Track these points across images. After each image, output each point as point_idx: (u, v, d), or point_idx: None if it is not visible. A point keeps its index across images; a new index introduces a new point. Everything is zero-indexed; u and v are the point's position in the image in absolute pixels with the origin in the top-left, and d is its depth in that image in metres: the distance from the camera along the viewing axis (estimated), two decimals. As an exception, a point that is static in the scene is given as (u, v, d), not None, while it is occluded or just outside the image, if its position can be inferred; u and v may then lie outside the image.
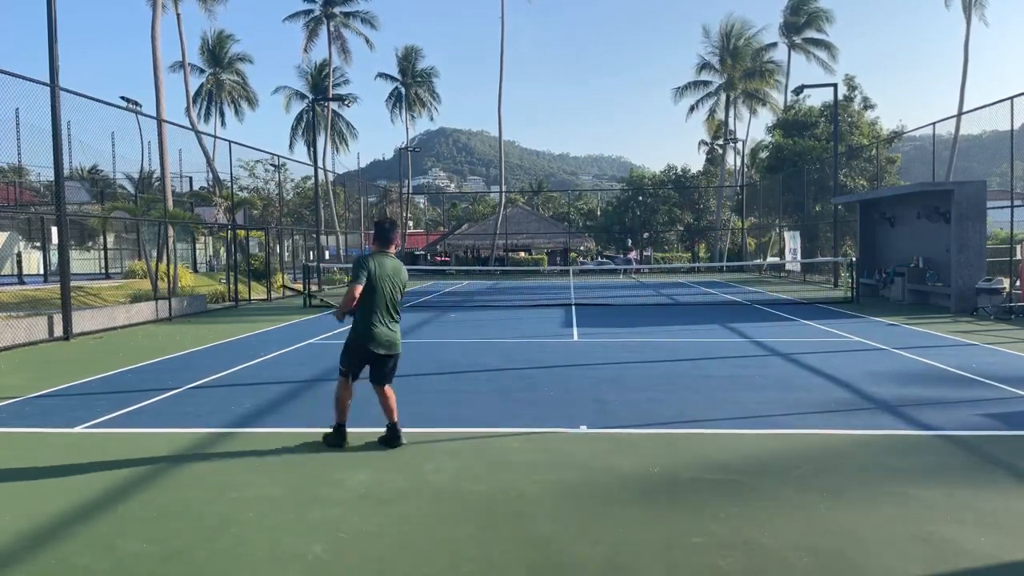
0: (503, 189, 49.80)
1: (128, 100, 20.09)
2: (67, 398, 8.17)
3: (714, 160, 53.65)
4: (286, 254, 34.37)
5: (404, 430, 5.94)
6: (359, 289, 5.73)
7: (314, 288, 24.41)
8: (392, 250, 6.04)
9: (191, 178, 35.87)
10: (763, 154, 41.88)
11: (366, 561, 3.81)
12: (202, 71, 50.04)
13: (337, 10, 46.77)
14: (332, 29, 46.74)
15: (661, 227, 50.30)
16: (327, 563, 3.78)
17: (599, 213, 59.07)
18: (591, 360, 10.28)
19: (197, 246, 35.35)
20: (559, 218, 58.01)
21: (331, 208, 43.17)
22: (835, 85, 27.27)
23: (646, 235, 48.98)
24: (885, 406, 7.18)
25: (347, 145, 55.03)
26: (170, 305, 17.56)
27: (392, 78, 55.64)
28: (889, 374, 8.89)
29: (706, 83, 48.58)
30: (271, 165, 38.27)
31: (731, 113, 47.87)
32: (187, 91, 34.99)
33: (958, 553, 3.79)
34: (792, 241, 31.00)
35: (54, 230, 19.52)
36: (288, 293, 23.54)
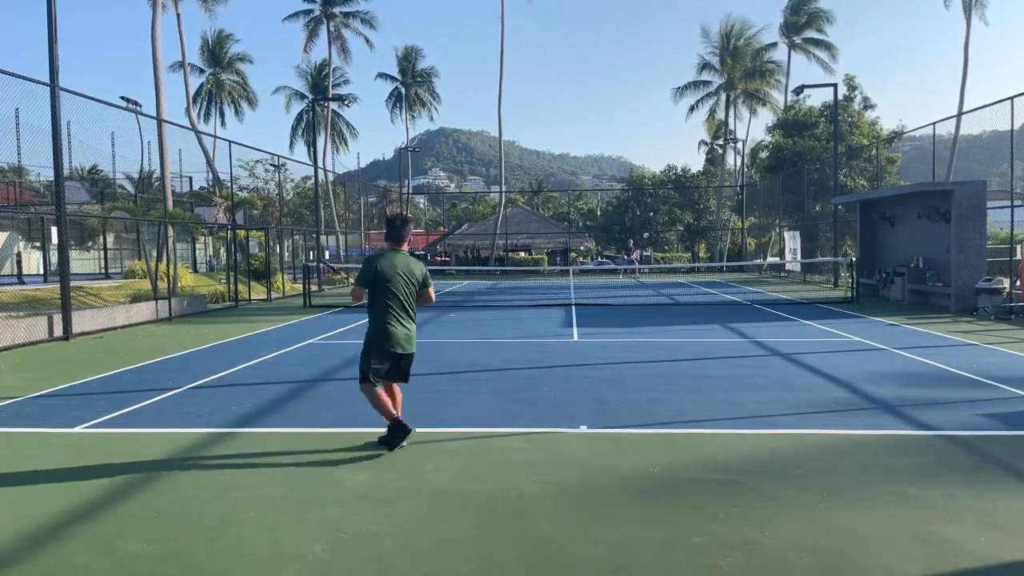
0: (503, 189, 49.79)
1: (128, 100, 20.09)
2: (67, 398, 8.17)
3: (714, 160, 53.65)
4: (286, 254, 34.38)
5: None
6: (357, 291, 5.78)
7: (314, 288, 24.38)
8: (405, 247, 5.98)
9: (191, 178, 35.92)
10: (763, 154, 41.88)
11: (366, 561, 3.81)
12: (202, 71, 50.07)
13: (337, 10, 46.79)
14: (332, 29, 46.76)
15: (661, 227, 50.30)
16: (327, 563, 3.78)
17: (599, 213, 59.07)
18: (591, 360, 10.28)
19: (197, 246, 35.37)
20: (559, 218, 58.00)
21: (331, 208, 43.18)
22: (835, 85, 27.28)
23: (646, 235, 48.97)
24: (885, 406, 7.18)
25: (347, 145, 55.13)
26: (170, 305, 17.56)
27: (392, 78, 55.64)
28: (889, 374, 8.89)
29: (706, 83, 48.61)
30: (271, 165, 38.31)
31: (731, 113, 47.89)
32: (187, 91, 34.98)
33: (958, 553, 3.79)
34: (792, 241, 31.00)
35: (54, 230, 19.51)
36: (291, 293, 23.51)
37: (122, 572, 3.72)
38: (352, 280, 32.24)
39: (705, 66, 47.77)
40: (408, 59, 55.51)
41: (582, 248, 48.67)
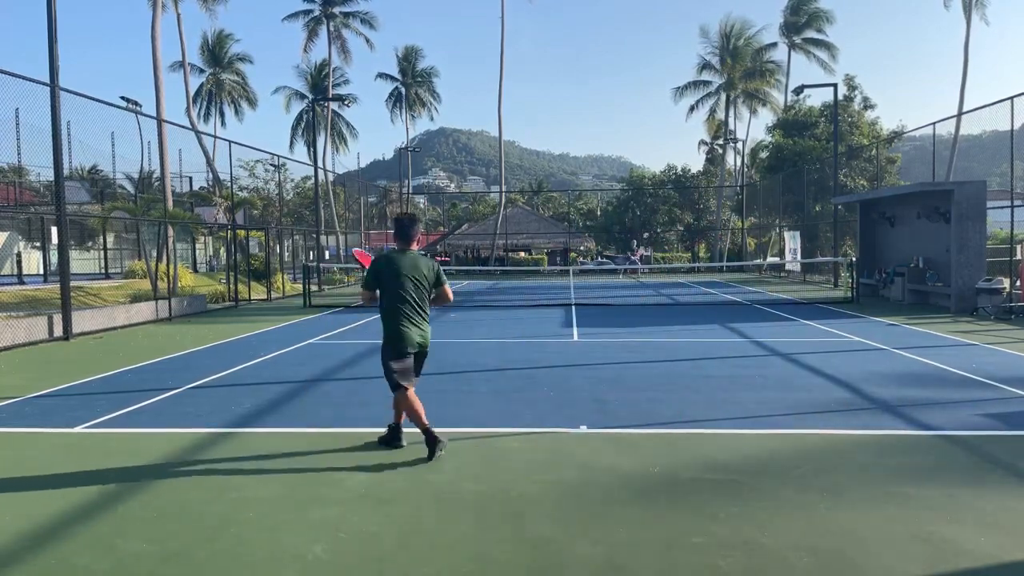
0: (503, 189, 49.78)
1: (128, 100, 20.09)
2: (67, 398, 8.17)
3: (714, 160, 53.65)
4: (286, 254, 34.38)
5: (404, 430, 5.94)
6: (365, 293, 5.79)
7: (314, 288, 24.38)
8: (414, 246, 5.84)
9: (191, 178, 35.92)
10: (763, 154, 41.86)
11: (366, 561, 3.81)
12: (202, 71, 50.08)
13: (337, 10, 46.77)
14: (332, 29, 46.74)
15: (661, 227, 50.30)
16: (327, 563, 3.78)
17: (599, 213, 59.08)
18: (591, 360, 10.28)
19: (197, 246, 35.38)
20: (559, 218, 58.01)
21: (331, 208, 43.17)
22: (835, 85, 27.26)
23: (646, 235, 48.97)
24: (885, 406, 7.18)
25: (347, 145, 55.12)
26: (170, 305, 17.56)
27: (392, 78, 55.64)
28: (889, 374, 8.88)
29: (706, 83, 48.62)
30: (271, 165, 38.31)
31: (731, 113, 47.89)
32: (187, 91, 34.99)
33: (958, 553, 3.79)
34: (792, 241, 30.99)
35: (54, 230, 19.52)
36: (291, 293, 23.51)
37: (122, 572, 3.72)
38: (353, 280, 32.38)
39: (705, 66, 47.79)
40: (408, 59, 55.51)
41: (582, 248, 48.67)
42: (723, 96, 47.87)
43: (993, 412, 6.89)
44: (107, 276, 25.70)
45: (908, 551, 3.82)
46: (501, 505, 4.58)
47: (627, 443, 6.00)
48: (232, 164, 23.84)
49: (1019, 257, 17.52)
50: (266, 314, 18.48)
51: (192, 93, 39.92)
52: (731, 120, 47.96)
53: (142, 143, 25.35)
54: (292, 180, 46.72)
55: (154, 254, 22.44)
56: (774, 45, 47.12)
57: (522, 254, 47.71)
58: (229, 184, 26.71)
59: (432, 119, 62.21)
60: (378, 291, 5.71)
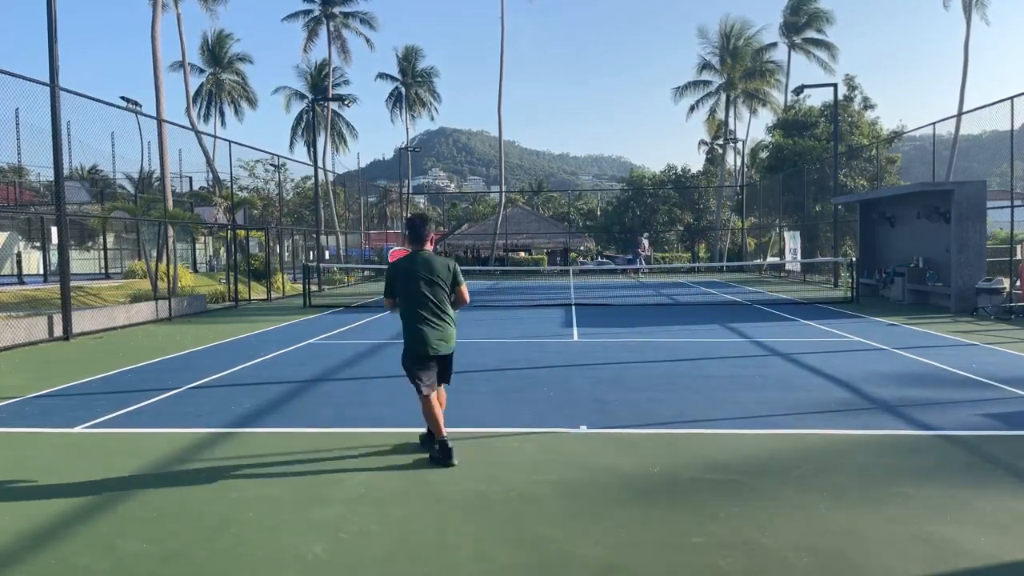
0: (503, 189, 49.75)
1: (128, 100, 20.09)
2: (67, 398, 8.17)
3: (714, 160, 53.65)
4: (286, 254, 34.37)
5: (404, 430, 5.93)
6: (387, 301, 5.72)
7: (314, 288, 24.39)
8: (428, 246, 5.71)
9: (191, 178, 35.92)
10: (763, 154, 41.88)
11: (366, 561, 3.81)
12: (202, 71, 50.05)
13: (337, 10, 46.76)
14: (332, 29, 46.73)
15: (661, 227, 50.31)
16: (327, 563, 3.78)
17: (599, 213, 59.07)
18: (591, 360, 10.28)
19: (197, 246, 35.38)
20: (559, 218, 57.97)
21: (331, 208, 43.17)
22: (835, 85, 27.26)
23: (646, 235, 48.98)
24: (885, 406, 7.18)
25: (347, 145, 55.06)
26: (170, 305, 17.56)
27: (392, 78, 55.60)
28: (889, 374, 8.88)
29: (706, 83, 48.60)
30: (271, 165, 38.31)
31: (731, 113, 47.88)
32: (187, 91, 34.98)
33: (958, 553, 3.79)
34: (792, 241, 30.99)
35: (54, 230, 19.51)
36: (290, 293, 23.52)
37: (122, 572, 3.72)
38: (353, 280, 32.36)
39: (705, 66, 47.78)
40: (408, 59, 55.47)
41: (582, 248, 48.66)
42: (723, 96, 47.86)
43: (993, 412, 6.89)
44: (107, 276, 25.70)
45: (908, 551, 3.82)
46: (501, 505, 4.58)
47: (627, 443, 6.00)
48: (232, 164, 23.88)
49: (1019, 257, 17.52)
50: (266, 314, 18.48)
51: (192, 93, 39.92)
52: (731, 120, 47.99)
53: (142, 143, 25.37)
54: (292, 180, 46.78)
55: (154, 254, 22.44)
56: (774, 45, 47.16)
57: (522, 254, 47.70)
58: (229, 184, 26.72)
59: (432, 119, 62.26)
60: (395, 297, 5.65)
